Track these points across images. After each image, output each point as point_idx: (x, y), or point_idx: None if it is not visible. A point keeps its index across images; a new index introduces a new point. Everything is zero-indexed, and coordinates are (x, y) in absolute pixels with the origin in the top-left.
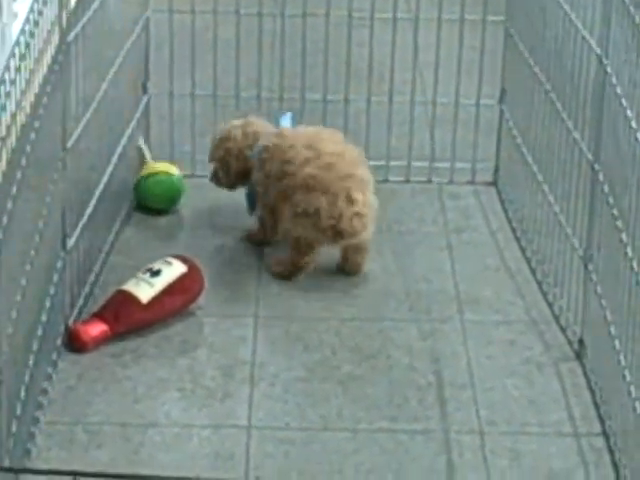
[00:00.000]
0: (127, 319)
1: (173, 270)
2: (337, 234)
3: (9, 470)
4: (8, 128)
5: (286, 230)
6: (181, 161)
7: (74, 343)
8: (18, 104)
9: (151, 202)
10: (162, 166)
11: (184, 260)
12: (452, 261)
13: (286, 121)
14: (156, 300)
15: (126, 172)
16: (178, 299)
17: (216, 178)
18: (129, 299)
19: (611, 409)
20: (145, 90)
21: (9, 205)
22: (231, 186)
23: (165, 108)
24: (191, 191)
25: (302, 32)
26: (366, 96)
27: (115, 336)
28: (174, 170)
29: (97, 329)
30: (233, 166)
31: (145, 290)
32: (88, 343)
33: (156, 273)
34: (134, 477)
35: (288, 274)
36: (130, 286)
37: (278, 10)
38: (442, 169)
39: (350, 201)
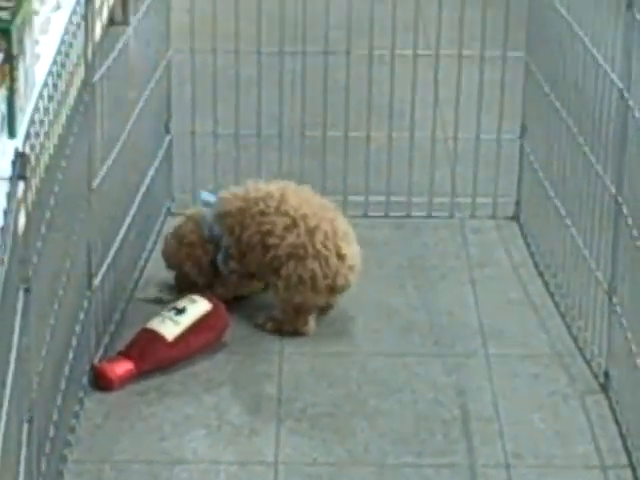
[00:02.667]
0: (153, 357)
1: (198, 308)
2: (333, 291)
3: None
4: (36, 166)
5: (283, 299)
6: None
7: (100, 381)
8: (44, 144)
9: None
10: None
11: (209, 298)
12: (475, 295)
13: (206, 194)
14: (181, 338)
15: (150, 210)
16: (203, 337)
17: (185, 282)
18: (154, 337)
19: (638, 441)
20: (167, 130)
21: (39, 244)
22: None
23: (187, 147)
24: None
25: (323, 70)
26: (387, 133)
27: (141, 374)
28: None
29: (123, 368)
30: (203, 258)
31: (170, 328)
32: (114, 382)
33: (181, 311)
34: None
35: (287, 332)
36: (155, 324)
37: (299, 48)
38: (464, 204)
39: (341, 257)
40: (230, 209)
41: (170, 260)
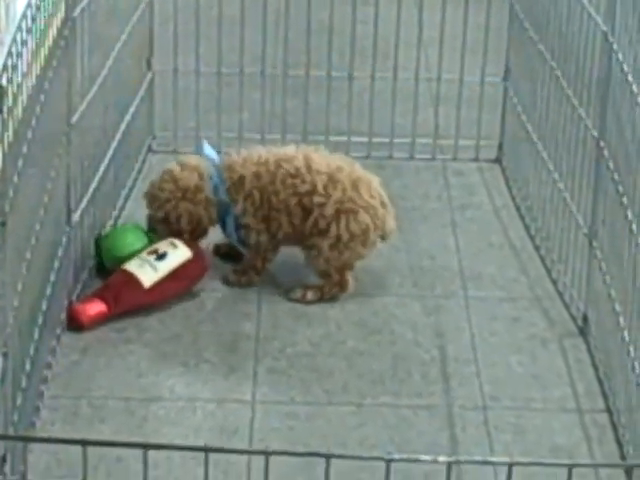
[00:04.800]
0: (127, 302)
1: (178, 255)
2: (381, 239)
3: (22, 439)
4: (14, 100)
5: (328, 259)
6: (185, 137)
7: (72, 322)
8: (24, 77)
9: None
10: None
11: (189, 244)
12: (456, 238)
13: (209, 149)
14: (158, 285)
15: (130, 147)
16: (180, 285)
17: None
18: (131, 282)
19: (615, 385)
20: (149, 67)
21: (15, 178)
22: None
23: (169, 85)
24: None
25: (307, 9)
26: (370, 73)
27: (113, 316)
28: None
29: (95, 309)
30: (204, 220)
31: (148, 274)
32: (85, 323)
33: (161, 257)
34: (144, 445)
35: (329, 297)
36: (134, 267)
37: None
38: (446, 146)
39: (384, 205)
40: (244, 174)
41: (160, 206)
